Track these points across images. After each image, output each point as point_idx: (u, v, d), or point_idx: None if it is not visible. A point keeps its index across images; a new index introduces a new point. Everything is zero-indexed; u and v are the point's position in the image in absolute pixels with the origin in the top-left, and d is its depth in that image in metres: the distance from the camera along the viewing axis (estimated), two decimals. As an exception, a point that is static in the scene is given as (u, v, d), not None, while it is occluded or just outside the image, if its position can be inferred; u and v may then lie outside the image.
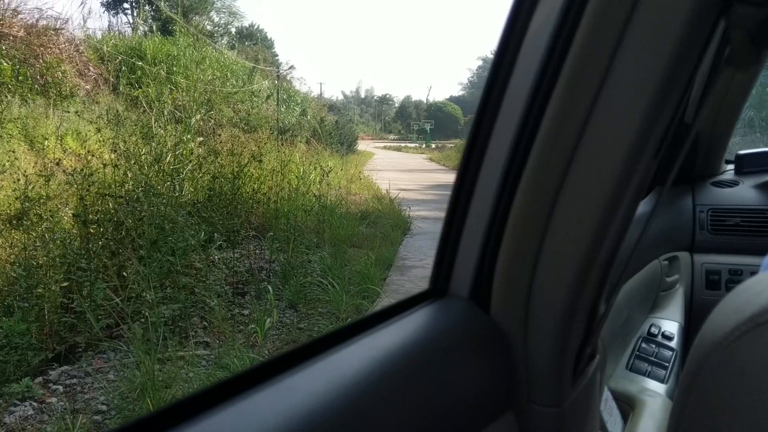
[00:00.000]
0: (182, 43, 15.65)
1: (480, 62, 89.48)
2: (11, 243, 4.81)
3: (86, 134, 8.40)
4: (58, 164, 5.75)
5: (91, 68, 13.07)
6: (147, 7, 24.03)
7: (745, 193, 2.24)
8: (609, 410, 1.34)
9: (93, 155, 5.73)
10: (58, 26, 12.67)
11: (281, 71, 27.37)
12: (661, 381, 1.79)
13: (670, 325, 1.99)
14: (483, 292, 0.78)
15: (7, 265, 4.45)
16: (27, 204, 4.95)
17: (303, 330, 4.62)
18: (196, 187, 6.62)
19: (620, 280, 0.87)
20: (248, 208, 7.18)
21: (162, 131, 6.76)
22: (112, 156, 5.64)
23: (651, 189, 1.66)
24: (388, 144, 58.99)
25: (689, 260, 2.19)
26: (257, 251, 6.48)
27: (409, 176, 19.67)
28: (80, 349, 3.93)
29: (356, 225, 8.42)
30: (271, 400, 0.54)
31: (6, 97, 9.62)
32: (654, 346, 1.90)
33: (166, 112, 8.11)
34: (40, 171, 5.83)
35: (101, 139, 6.10)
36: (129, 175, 5.54)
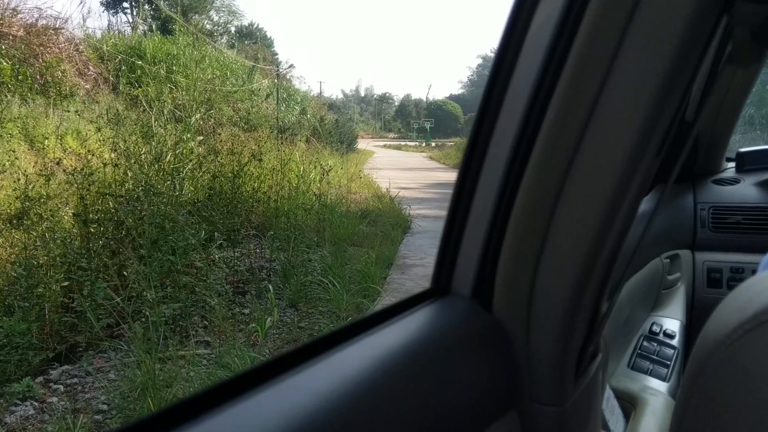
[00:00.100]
0: (182, 42, 15.63)
1: (480, 61, 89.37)
2: (12, 242, 4.81)
3: (86, 133, 8.42)
4: (58, 164, 5.76)
5: (90, 67, 13.07)
6: (146, 7, 24.03)
7: (746, 190, 2.23)
8: (611, 409, 1.34)
9: (93, 154, 5.72)
10: (57, 26, 12.68)
11: (281, 70, 27.36)
12: (663, 379, 1.79)
13: (671, 323, 1.99)
14: (485, 291, 0.78)
15: (8, 264, 4.45)
16: (27, 203, 4.95)
17: (304, 329, 4.62)
18: (197, 186, 6.61)
19: (622, 279, 0.87)
20: (248, 207, 7.18)
21: (162, 130, 6.76)
22: (112, 155, 5.64)
23: (653, 187, 1.66)
24: (388, 142, 58.92)
25: (690, 258, 2.19)
26: (257, 250, 6.49)
27: (409, 175, 19.67)
28: (81, 349, 3.93)
29: (356, 224, 8.42)
30: (273, 400, 0.53)
31: (6, 96, 9.63)
32: (655, 344, 1.90)
33: (165, 111, 8.10)
34: (41, 170, 5.84)
35: (101, 138, 6.09)
36: (129, 175, 5.53)
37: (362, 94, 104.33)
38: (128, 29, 22.91)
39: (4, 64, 10.15)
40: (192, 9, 28.04)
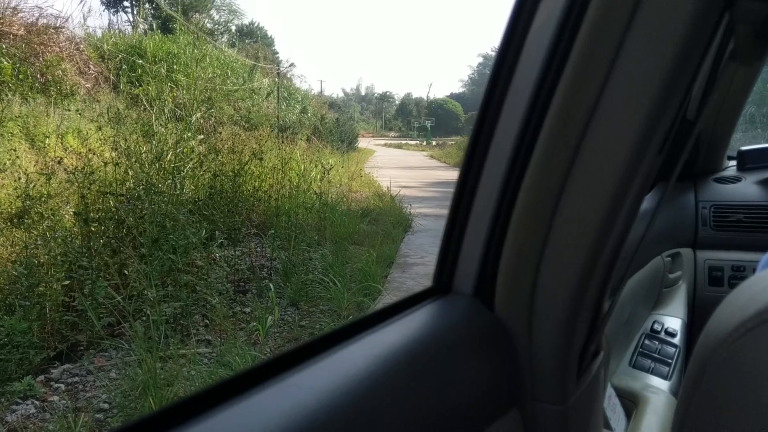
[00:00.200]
0: (182, 41, 15.65)
1: (481, 59, 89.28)
2: (12, 241, 4.81)
3: (87, 132, 8.43)
4: (59, 163, 5.75)
5: (91, 66, 13.07)
6: (147, 5, 24.03)
7: (747, 189, 2.23)
8: (612, 407, 1.34)
9: (94, 153, 5.73)
10: (58, 25, 12.68)
11: (281, 69, 27.34)
12: (665, 378, 1.79)
13: (673, 321, 1.99)
14: (487, 290, 0.78)
15: (9, 263, 4.45)
16: (28, 202, 4.96)
17: (304, 328, 4.62)
18: (197, 185, 6.62)
19: (624, 277, 0.87)
20: (249, 206, 7.18)
21: (162, 129, 6.76)
22: (113, 154, 5.65)
23: (654, 185, 1.66)
24: (389, 141, 58.94)
25: (692, 257, 2.19)
26: (258, 249, 6.48)
27: (409, 173, 19.65)
28: (82, 348, 3.94)
29: (357, 222, 8.42)
30: (275, 399, 0.53)
31: (6, 95, 9.63)
32: (657, 342, 1.90)
33: (166, 110, 8.11)
34: (41, 169, 5.83)
35: (102, 137, 6.10)
36: (130, 174, 5.54)
37: (363, 93, 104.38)
38: (129, 28, 22.90)
39: (5, 63, 10.15)
40: (192, 8, 28.02)
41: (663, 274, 2.04)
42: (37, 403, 3.31)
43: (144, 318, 3.87)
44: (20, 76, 10.37)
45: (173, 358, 3.59)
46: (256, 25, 44.94)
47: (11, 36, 10.80)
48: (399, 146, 49.61)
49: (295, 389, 0.55)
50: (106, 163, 5.25)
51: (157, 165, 5.80)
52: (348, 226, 7.95)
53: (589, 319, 0.79)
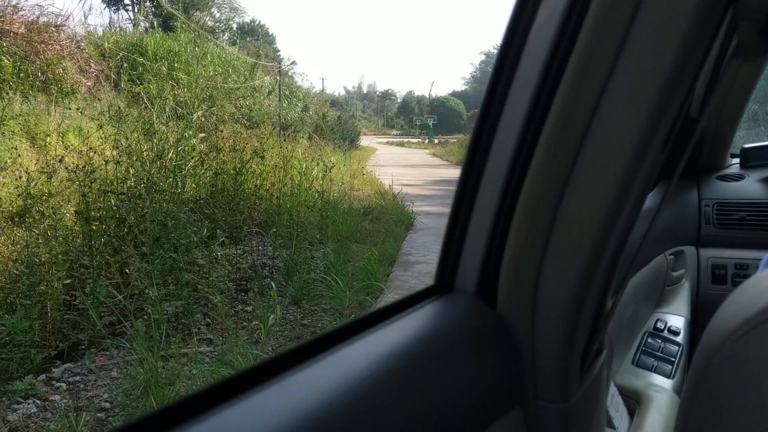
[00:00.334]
0: (183, 39, 15.64)
1: (483, 57, 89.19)
2: (14, 240, 4.82)
3: (88, 131, 8.43)
4: (60, 161, 5.76)
5: (92, 65, 13.07)
6: (148, 3, 24.03)
7: (750, 186, 2.23)
8: (615, 406, 1.34)
9: (95, 152, 5.72)
10: (58, 23, 12.68)
11: (283, 67, 27.36)
12: (668, 376, 1.78)
13: (676, 320, 1.98)
14: (489, 288, 0.77)
15: (10, 262, 4.46)
16: (29, 201, 4.96)
17: (306, 326, 4.63)
18: (199, 183, 6.62)
19: (627, 275, 0.86)
20: (251, 205, 7.19)
21: (164, 127, 6.76)
22: (114, 153, 5.65)
23: (657, 183, 1.65)
24: (391, 139, 58.88)
25: (695, 255, 2.18)
26: (260, 247, 6.49)
27: (411, 171, 19.64)
28: (83, 347, 3.94)
29: (359, 221, 8.42)
30: (277, 398, 0.53)
31: (7, 94, 9.64)
32: (660, 341, 1.90)
33: (167, 109, 8.10)
34: (42, 168, 5.84)
35: (103, 135, 6.10)
36: (131, 172, 5.54)
37: (365, 91, 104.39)
38: (129, 26, 22.89)
39: (6, 61, 10.15)
40: (193, 6, 28.04)
41: (666, 273, 2.03)
42: (38, 402, 3.31)
43: (145, 317, 3.87)
44: (21, 75, 10.38)
45: (175, 357, 3.60)
46: (257, 23, 45.06)
47: (12, 34, 10.80)
48: (401, 144, 49.58)
49: (296, 388, 0.55)
50: (107, 162, 5.25)
51: (158, 163, 5.80)
52: (350, 224, 7.95)
53: (592, 318, 0.79)
